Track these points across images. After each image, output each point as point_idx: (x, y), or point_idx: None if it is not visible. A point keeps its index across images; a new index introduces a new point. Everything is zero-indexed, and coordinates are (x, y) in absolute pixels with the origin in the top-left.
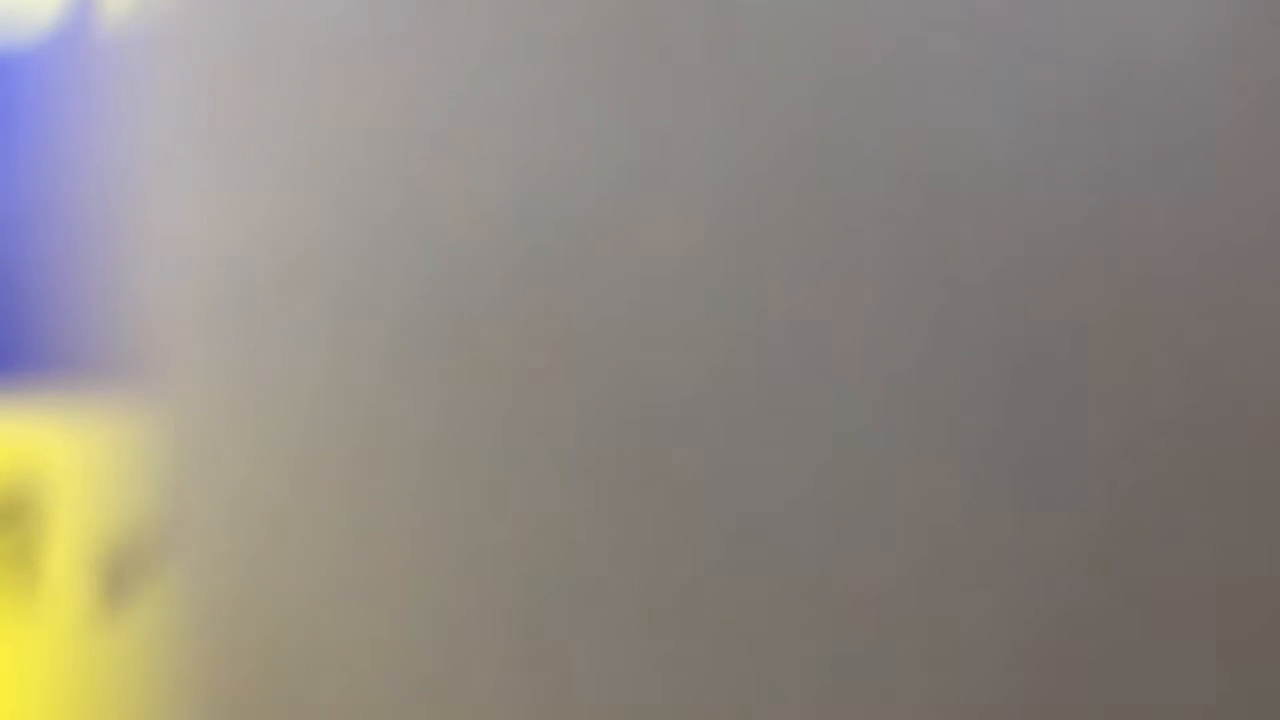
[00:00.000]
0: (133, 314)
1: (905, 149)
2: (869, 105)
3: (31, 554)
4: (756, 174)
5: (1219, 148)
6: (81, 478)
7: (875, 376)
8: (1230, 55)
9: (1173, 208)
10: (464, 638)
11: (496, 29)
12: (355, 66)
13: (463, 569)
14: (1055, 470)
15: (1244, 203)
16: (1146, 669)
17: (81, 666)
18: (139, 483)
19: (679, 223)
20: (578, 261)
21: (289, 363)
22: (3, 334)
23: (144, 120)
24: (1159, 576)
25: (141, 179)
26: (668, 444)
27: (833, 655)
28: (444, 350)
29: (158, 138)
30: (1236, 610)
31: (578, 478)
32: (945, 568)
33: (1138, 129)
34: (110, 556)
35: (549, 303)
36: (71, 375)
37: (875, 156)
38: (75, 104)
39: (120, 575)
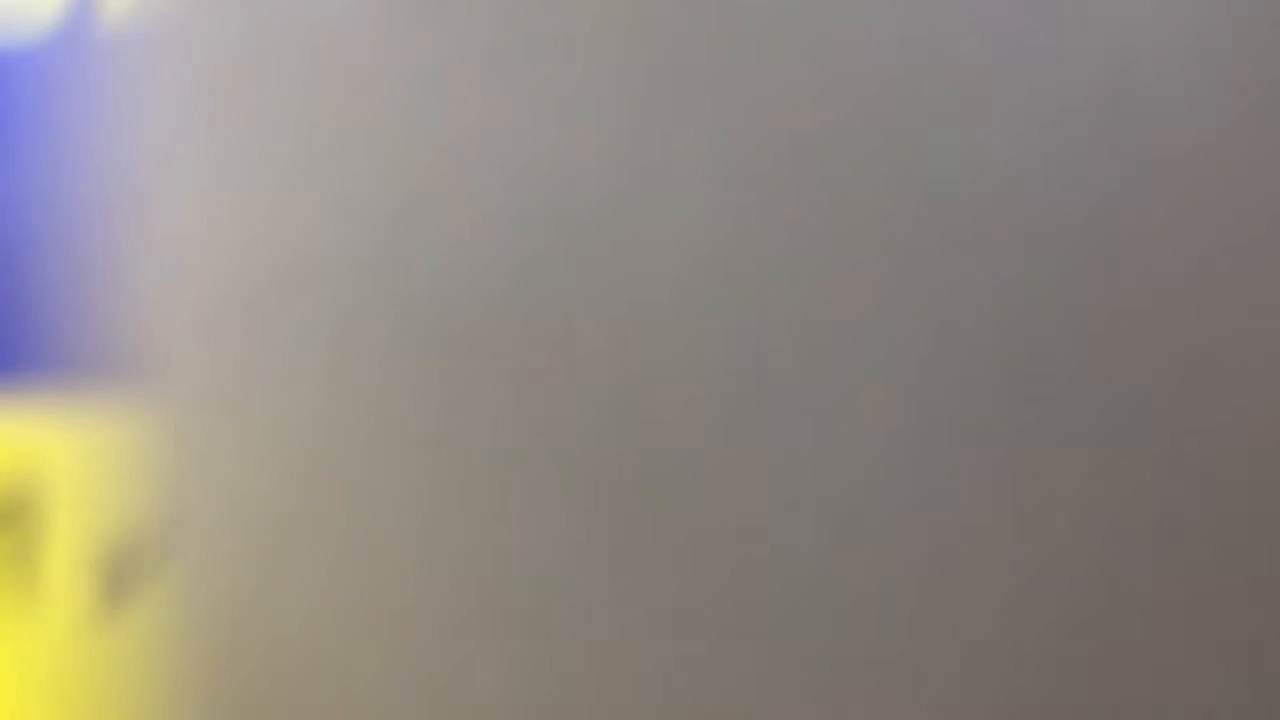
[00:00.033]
0: (133, 314)
1: (905, 149)
2: (869, 105)
3: (31, 554)
4: (757, 174)
5: (1219, 148)
6: (81, 478)
7: (876, 376)
8: (1230, 55)
9: (1173, 208)
10: (464, 638)
11: (497, 29)
12: (356, 66)
13: (463, 569)
14: (1055, 470)
15: (1244, 203)
16: (1146, 669)
17: (81, 666)
18: (139, 483)
19: (680, 223)
20: (578, 262)
21: (289, 363)
22: (3, 334)
23: (144, 120)
24: (1159, 576)
25: (142, 179)
26: (668, 444)
27: (833, 656)
28: (444, 350)
29: (158, 138)
30: (1236, 610)
31: (578, 478)
32: (945, 568)
33: (1138, 129)
34: (110, 556)
35: (550, 303)
36: (71, 375)
37: (875, 157)
38: (75, 104)
39: (120, 575)
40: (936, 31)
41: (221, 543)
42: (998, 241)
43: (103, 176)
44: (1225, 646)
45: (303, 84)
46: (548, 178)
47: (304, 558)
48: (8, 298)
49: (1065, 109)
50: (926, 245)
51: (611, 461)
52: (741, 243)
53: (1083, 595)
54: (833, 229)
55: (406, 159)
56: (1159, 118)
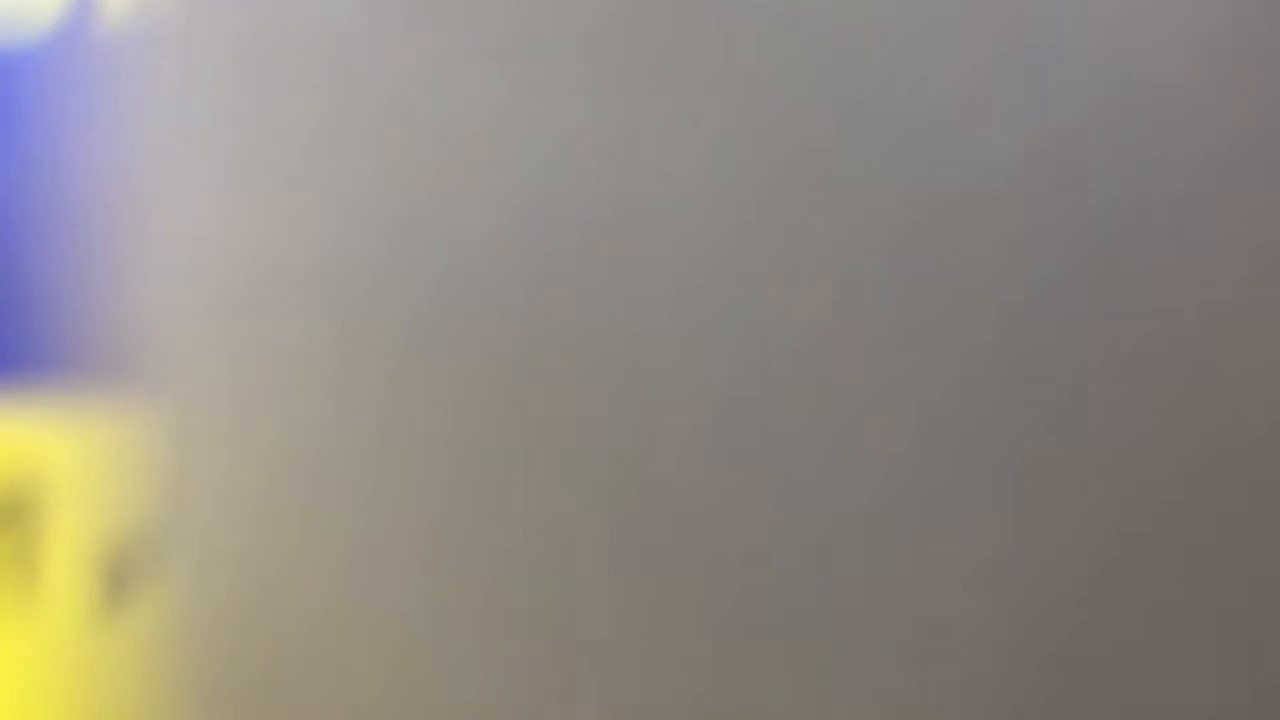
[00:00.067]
0: (133, 314)
1: (906, 149)
2: (869, 105)
3: (31, 554)
4: (760, 174)
5: (1219, 148)
6: (81, 478)
7: (876, 376)
8: (1230, 55)
9: (1173, 208)
10: (465, 638)
11: (499, 28)
12: (356, 67)
13: (464, 569)
14: (1055, 471)
15: (1245, 203)
16: (1146, 669)
17: (81, 666)
18: (139, 483)
19: (683, 223)
20: (582, 263)
21: (290, 362)
22: (3, 334)
23: (145, 120)
24: (1159, 577)
25: (142, 179)
26: (670, 445)
27: (833, 655)
28: (445, 350)
29: (159, 138)
30: (1237, 610)
31: (580, 478)
32: (945, 568)
33: (1138, 129)
34: (110, 556)
35: (552, 304)
36: (71, 375)
37: (876, 157)
38: (75, 104)
39: (120, 575)
40: (938, 32)
41: (221, 543)
42: (999, 242)
43: (103, 176)
44: (1225, 646)
45: (303, 84)
46: (551, 178)
47: (304, 558)
48: (8, 298)
49: (1067, 109)
50: (928, 245)
51: (613, 461)
52: (745, 242)
53: (1083, 596)
54: (835, 229)
55: (407, 159)
56: (1160, 118)
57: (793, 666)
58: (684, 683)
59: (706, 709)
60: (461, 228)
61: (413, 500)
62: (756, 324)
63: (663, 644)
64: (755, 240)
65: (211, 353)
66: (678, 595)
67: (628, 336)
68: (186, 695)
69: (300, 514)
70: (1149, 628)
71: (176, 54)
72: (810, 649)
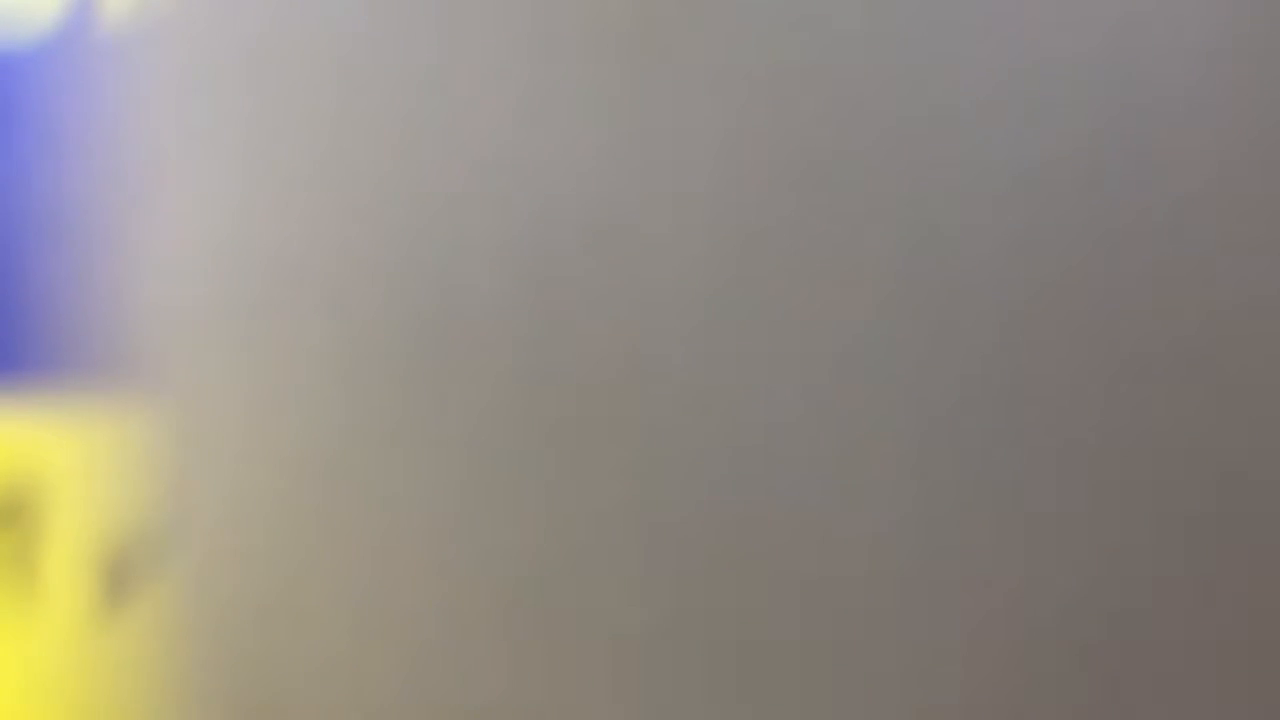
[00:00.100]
0: (133, 314)
1: (906, 149)
2: (869, 106)
3: (31, 554)
4: (758, 174)
5: (1219, 148)
6: (81, 478)
7: (876, 376)
8: (1230, 55)
9: (1174, 208)
10: (465, 638)
11: (498, 30)
12: (356, 67)
13: (465, 569)
14: (1056, 471)
15: (1246, 203)
16: (1147, 669)
17: (81, 666)
18: (139, 483)
19: (682, 223)
20: (581, 262)
21: (289, 363)
22: (3, 334)
23: (144, 120)
24: (1159, 577)
25: (142, 179)
26: (669, 444)
27: (833, 655)
28: (445, 349)
29: (158, 138)
30: (1237, 610)
31: (580, 477)
32: (944, 568)
33: (1139, 128)
34: (110, 556)
35: (551, 304)
36: (71, 375)
37: (876, 157)
38: (75, 104)
39: (120, 575)
40: (938, 32)
41: (222, 543)
42: (997, 240)
43: (103, 177)
44: (1225, 646)
45: (304, 84)
46: (550, 179)
47: (305, 558)
48: (8, 298)
49: (1068, 110)
50: (928, 245)
51: (614, 461)
52: (746, 242)
53: (1082, 595)
54: (835, 229)
55: (407, 159)
56: (1161, 118)
57: (792, 668)
58: (694, 682)
59: (706, 707)
60: (464, 228)
61: (415, 499)
62: (758, 324)
63: (673, 642)
64: (756, 240)
65: (212, 353)
66: (678, 594)
67: (626, 335)
68: (186, 695)
69: (301, 514)
70: (1149, 628)
71: (176, 54)
72: (810, 650)
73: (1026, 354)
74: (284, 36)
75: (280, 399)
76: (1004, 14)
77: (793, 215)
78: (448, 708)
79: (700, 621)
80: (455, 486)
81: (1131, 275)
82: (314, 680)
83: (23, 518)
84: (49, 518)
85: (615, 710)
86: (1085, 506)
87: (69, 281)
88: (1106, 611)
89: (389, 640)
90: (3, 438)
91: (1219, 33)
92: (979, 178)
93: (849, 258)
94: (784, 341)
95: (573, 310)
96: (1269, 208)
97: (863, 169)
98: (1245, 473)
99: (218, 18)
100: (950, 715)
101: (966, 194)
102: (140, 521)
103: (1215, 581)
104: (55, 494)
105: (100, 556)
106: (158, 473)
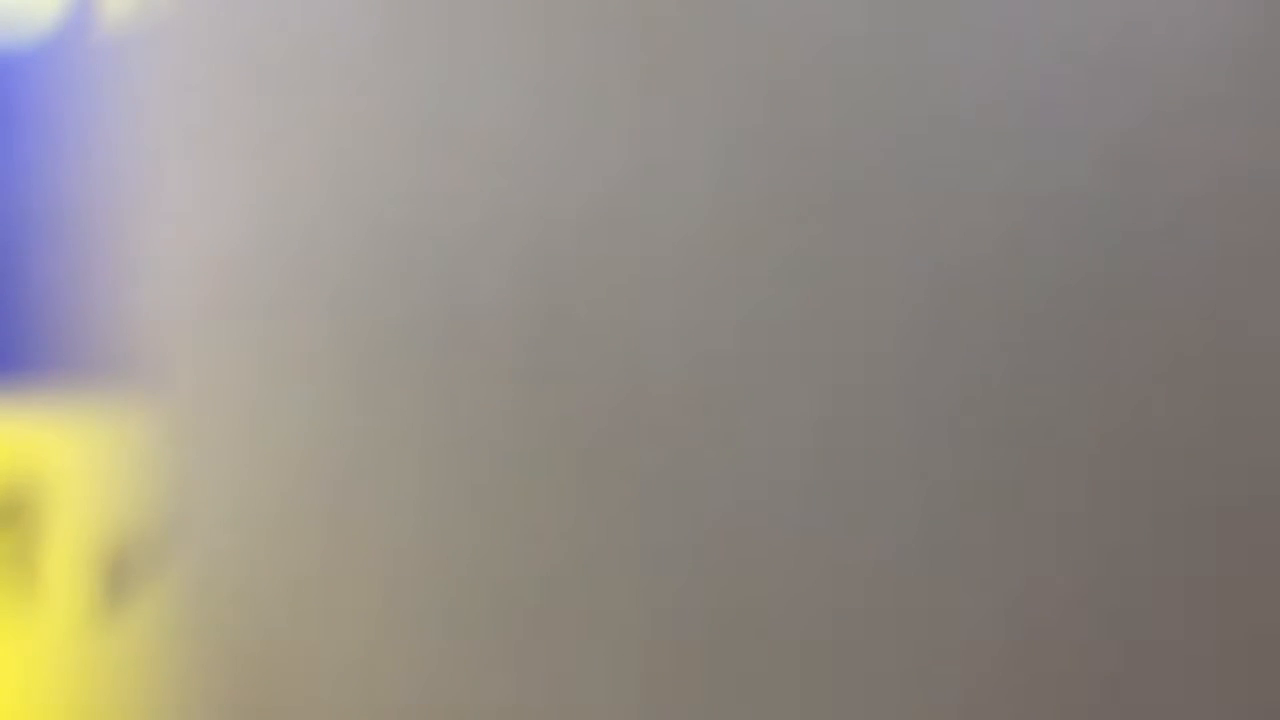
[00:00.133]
0: (133, 314)
1: (906, 149)
2: (869, 105)
3: (31, 554)
4: (757, 174)
5: (1220, 147)
6: (81, 478)
7: (876, 376)
8: (1231, 55)
9: (1173, 207)
10: (465, 638)
11: (500, 30)
12: (355, 67)
13: (464, 569)
14: (1056, 471)
15: (1245, 202)
16: (1146, 669)
17: (81, 666)
18: (139, 483)
19: (683, 222)
20: (579, 262)
21: (289, 362)
22: (3, 334)
23: (144, 120)
24: (1159, 577)
25: (142, 179)
26: (668, 445)
27: (833, 655)
28: (445, 349)
29: (158, 138)
30: (1237, 610)
31: (579, 478)
32: (944, 568)
33: (1139, 128)
34: (110, 556)
35: (550, 304)
36: (71, 375)
37: (876, 157)
38: (75, 104)
39: (120, 575)
40: (937, 30)
41: (221, 542)
42: (998, 240)
43: (103, 177)
44: (1225, 647)
45: (303, 84)
46: (548, 178)
47: (303, 557)
48: (8, 298)
49: (1066, 108)
50: (928, 245)
51: (613, 461)
52: (742, 243)
53: (1082, 596)
54: (835, 228)
55: (408, 158)
56: (1162, 118)
57: (792, 668)
58: (696, 682)
59: (705, 708)
60: (466, 228)
61: (416, 499)
62: (760, 323)
63: (676, 643)
64: (759, 240)
65: (212, 353)
66: (676, 595)
67: (625, 335)
68: (186, 695)
69: (301, 513)
70: (1149, 628)
71: (176, 54)
72: (809, 651)
73: (1027, 353)
74: (284, 36)
75: (280, 399)
76: (1006, 13)
77: (795, 215)
78: (449, 708)
79: (702, 622)
80: (457, 486)
81: (1132, 275)
82: (314, 680)
83: (23, 518)
84: (49, 518)
85: (617, 711)
86: (1085, 506)
87: (69, 281)
88: (1106, 611)
89: (390, 640)
90: (3, 438)
91: (1220, 32)
92: (980, 177)
93: (851, 258)
94: (787, 341)
95: (577, 310)
96: (1269, 207)
97: (865, 168)
98: (1246, 473)
99: (218, 18)
100: (950, 715)
101: (968, 194)
102: (140, 521)
103: (1215, 581)
104: (55, 494)
105: (100, 556)
106: (158, 473)
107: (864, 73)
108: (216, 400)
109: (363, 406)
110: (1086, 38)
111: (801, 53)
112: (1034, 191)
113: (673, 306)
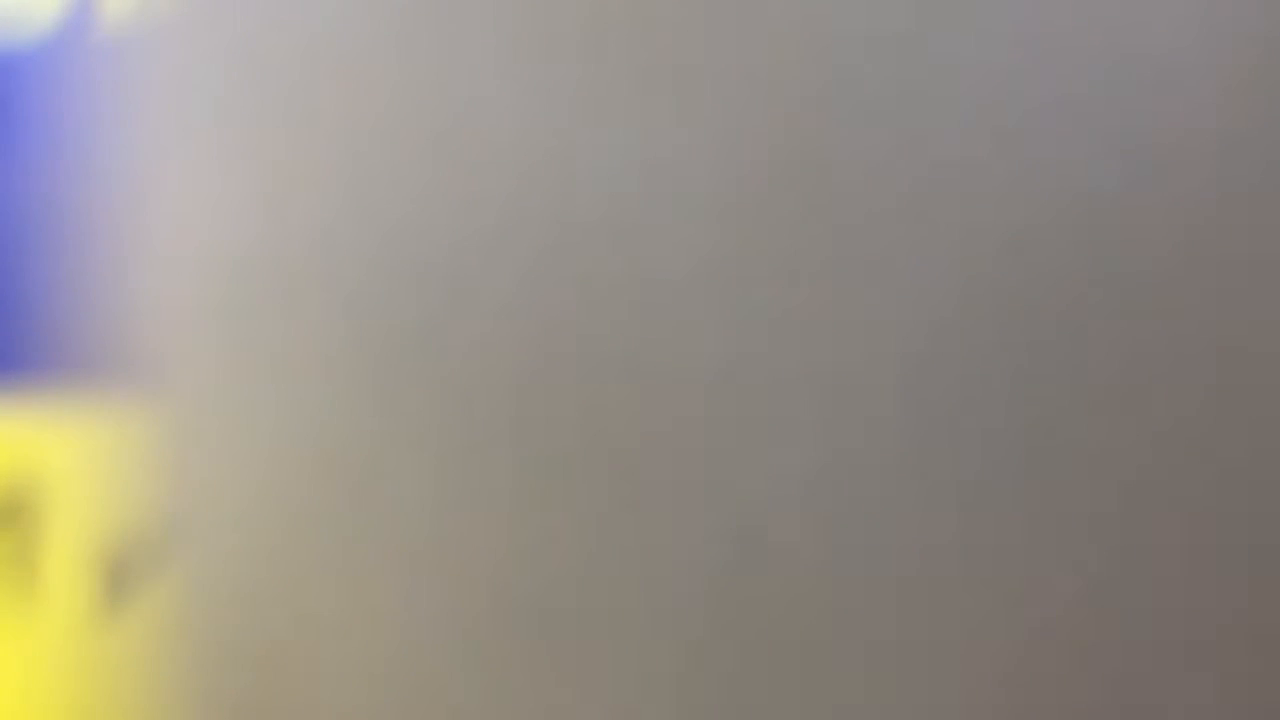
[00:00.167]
0: (133, 314)
1: (906, 149)
2: (870, 105)
3: (31, 554)
4: (760, 175)
5: (1219, 148)
6: (81, 478)
7: (877, 376)
8: (1231, 54)
9: (1174, 207)
10: (466, 639)
11: (499, 30)
12: (356, 67)
13: (465, 570)
14: (1055, 470)
15: (1245, 202)
16: (1147, 669)
17: (81, 666)
18: (139, 483)
19: (684, 223)
20: (581, 264)
21: (289, 363)
22: (3, 334)
23: (144, 120)
24: (1159, 576)
25: (141, 179)
26: (670, 446)
27: (833, 656)
28: (446, 350)
29: (158, 138)
30: (1238, 610)
31: (582, 479)
32: (944, 568)
33: (1139, 128)
34: (110, 556)
35: (553, 305)
36: (71, 375)
37: (876, 157)
38: (75, 104)
39: (120, 575)
40: (937, 30)
41: (222, 542)
42: (998, 240)
43: (103, 177)
44: (1225, 647)
45: (303, 84)
46: (551, 179)
47: (304, 558)
48: (8, 298)
49: (1066, 108)
50: (927, 246)
51: (615, 462)
52: (748, 242)
53: (1082, 596)
54: (837, 229)
55: (408, 159)
56: (1163, 117)
57: (792, 669)
58: (689, 686)
59: (716, 708)
60: (466, 227)
61: (416, 499)
62: (761, 323)
63: (676, 645)
64: (759, 240)
65: (212, 352)
66: (679, 597)
67: (628, 336)
68: (186, 695)
69: (301, 513)
70: (1149, 628)
71: (176, 54)
72: (810, 652)
73: (1028, 352)
74: (284, 36)
75: (280, 399)
76: (1007, 13)
77: (795, 216)
78: (449, 707)
79: (709, 624)
80: (458, 486)
81: (1133, 275)
82: (315, 680)
83: (23, 518)
84: (49, 518)
85: (624, 714)
86: (1085, 506)
87: (69, 281)
88: (1106, 611)
89: (390, 640)
90: (3, 438)
91: (1221, 33)
92: (982, 177)
93: (852, 257)
94: (791, 343)
95: (575, 310)
96: (1270, 207)
97: (865, 169)
98: (1246, 472)
99: (218, 18)
100: (950, 715)
101: (969, 194)
102: (140, 521)
103: (1216, 581)
104: (55, 494)
105: (100, 556)
106: (158, 473)
107: (864, 73)
108: (216, 400)
109: (363, 406)
110: (1087, 37)
111: (802, 53)
112: (1035, 191)
113: (676, 307)
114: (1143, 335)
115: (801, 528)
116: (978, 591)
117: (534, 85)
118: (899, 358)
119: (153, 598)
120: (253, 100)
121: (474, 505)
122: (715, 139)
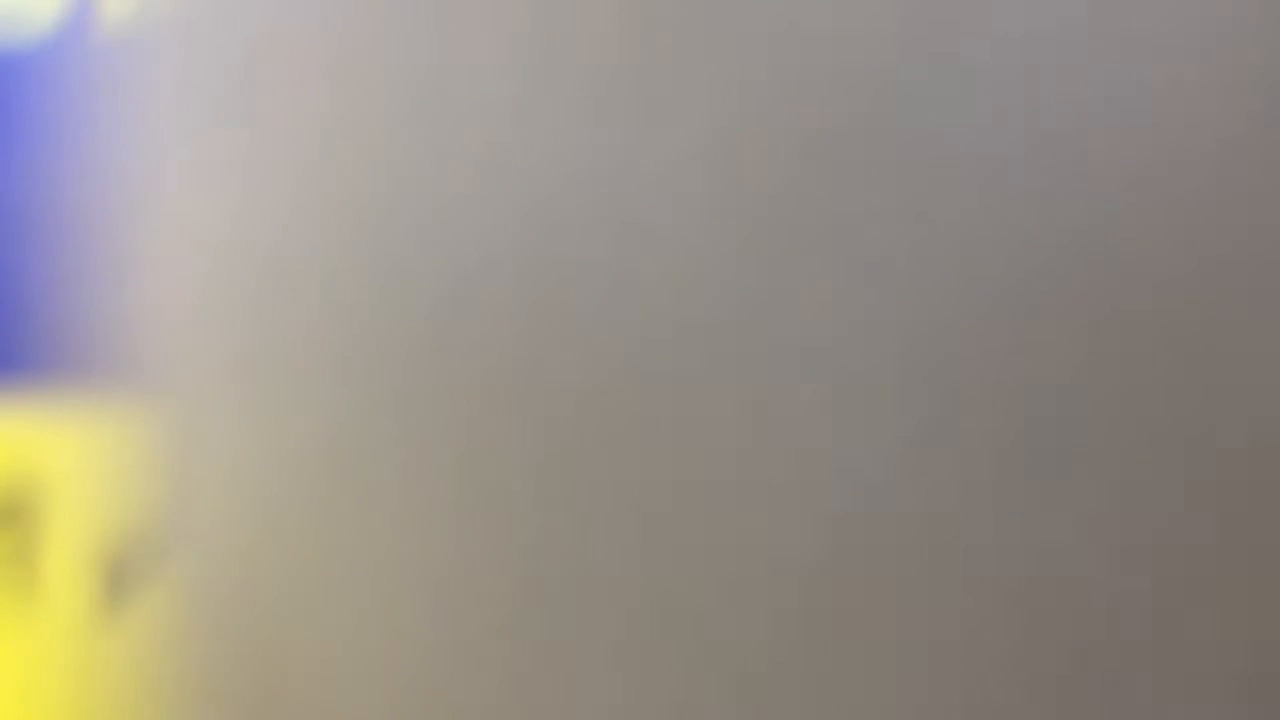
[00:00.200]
0: (133, 315)
1: (906, 150)
2: (870, 105)
3: (31, 554)
4: (759, 174)
5: (1219, 148)
6: (81, 478)
7: (877, 376)
8: (1231, 54)
9: (1174, 207)
10: (466, 637)
11: (498, 29)
12: (356, 68)
13: (464, 569)
14: (1055, 470)
15: (1245, 202)
16: (1146, 670)
17: (81, 666)
18: (139, 483)
19: (682, 222)
20: (581, 261)
21: (289, 363)
22: (3, 334)
23: (144, 120)
24: (1159, 577)
25: (141, 179)
26: (670, 445)
27: (833, 655)
28: (446, 350)
29: (158, 138)
30: (1238, 610)
31: (579, 478)
32: (944, 568)
33: (1140, 127)
34: (110, 556)
35: (553, 305)
36: (71, 375)
37: (877, 157)
38: (75, 104)
39: (120, 575)
40: (938, 31)
41: (221, 542)
42: (998, 240)
43: (103, 177)
44: (1225, 647)
45: (303, 84)
46: (550, 179)
47: (305, 558)
48: (8, 298)
49: (1067, 109)
50: (927, 245)
51: (614, 462)
52: (746, 240)
53: (1082, 596)
54: (837, 227)
55: (407, 158)
56: (1164, 117)
57: (792, 670)
58: (696, 683)
59: (715, 708)
60: (465, 227)
61: (416, 498)
62: (760, 322)
63: (674, 643)
64: (758, 239)
65: (212, 352)
66: (678, 596)
67: (628, 337)
68: (186, 695)
69: (301, 513)
70: (1149, 628)
71: (176, 54)
72: (809, 652)
73: (1028, 352)
74: (284, 36)
75: (280, 399)
76: (1008, 13)
77: (795, 214)
78: (448, 707)
79: (701, 623)
80: (456, 486)
81: (1133, 275)
82: (314, 680)
83: (23, 518)
84: (49, 518)
85: (621, 712)
86: (1085, 506)
87: (69, 281)
88: (1106, 611)
89: (389, 639)
90: (3, 438)
91: (1223, 29)
92: (982, 176)
93: (852, 256)
94: (786, 339)
95: (573, 309)
96: (1270, 207)
97: (865, 167)
98: (1246, 472)
99: (218, 18)
100: (950, 715)
101: (969, 193)
102: (140, 521)
103: (1216, 581)
104: (55, 494)
105: (100, 556)
106: (158, 473)
107: (865, 72)
108: (216, 400)
109: (363, 406)
110: (1088, 37)
111: (800, 53)
112: (1036, 191)
113: (677, 307)
114: (1143, 335)
115: (801, 526)
116: (978, 591)
117: (534, 85)
118: (899, 357)
119: (153, 598)
120: (253, 100)
121: (474, 505)
122: (715, 139)
